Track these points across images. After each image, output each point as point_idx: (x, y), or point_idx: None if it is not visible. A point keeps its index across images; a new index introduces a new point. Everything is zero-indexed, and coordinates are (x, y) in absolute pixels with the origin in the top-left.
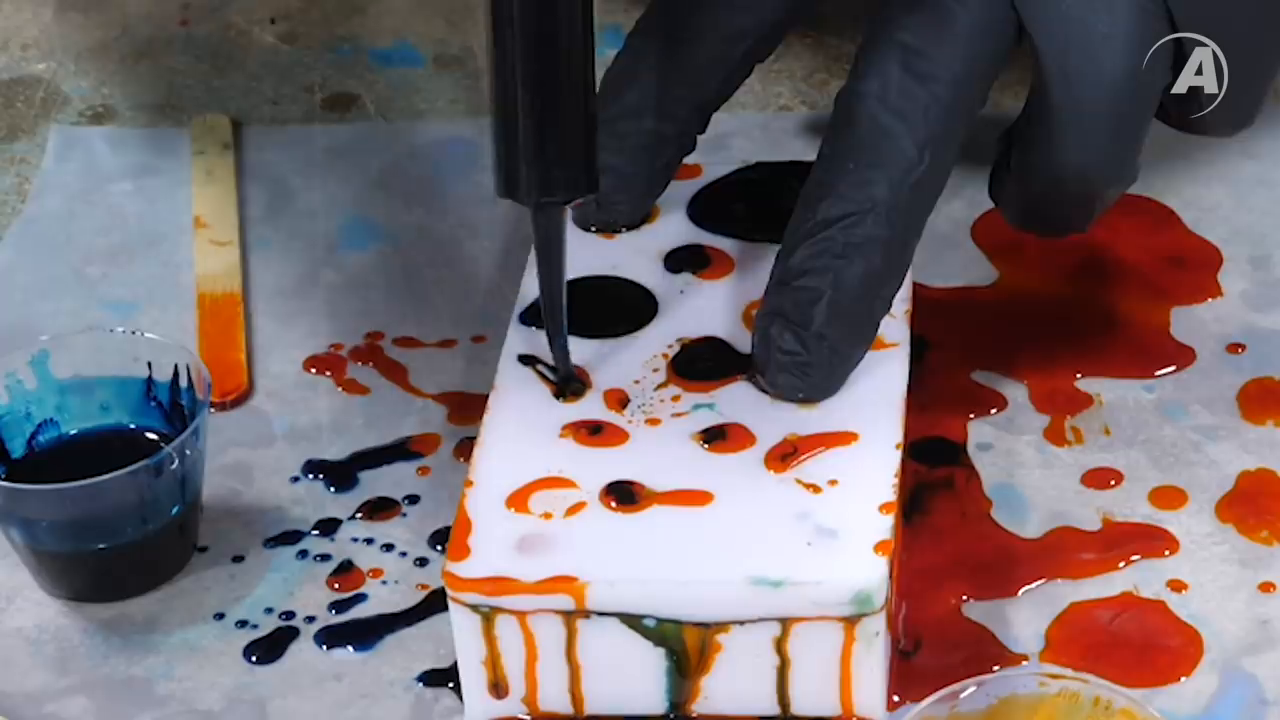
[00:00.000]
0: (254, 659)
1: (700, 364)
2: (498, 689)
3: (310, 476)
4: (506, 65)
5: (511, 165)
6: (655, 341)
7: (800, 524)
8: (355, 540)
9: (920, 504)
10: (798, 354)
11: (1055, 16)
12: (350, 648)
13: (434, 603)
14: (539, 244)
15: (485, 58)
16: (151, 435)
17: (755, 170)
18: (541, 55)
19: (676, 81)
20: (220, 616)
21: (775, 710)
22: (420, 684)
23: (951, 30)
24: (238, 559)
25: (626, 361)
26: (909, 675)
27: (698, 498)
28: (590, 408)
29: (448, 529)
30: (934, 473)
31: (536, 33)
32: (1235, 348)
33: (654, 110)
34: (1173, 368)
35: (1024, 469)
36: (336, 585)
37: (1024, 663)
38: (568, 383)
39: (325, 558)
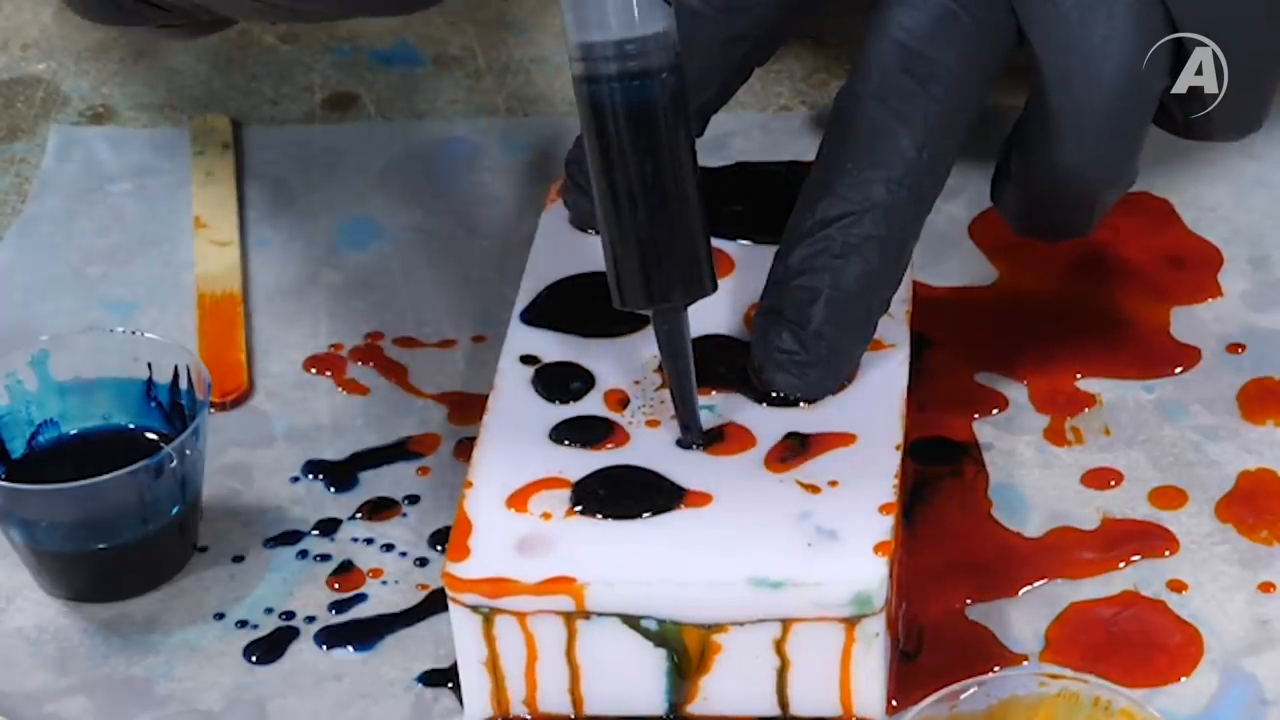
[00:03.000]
0: (254, 659)
1: (700, 364)
2: (500, 704)
3: (310, 476)
4: (612, 169)
5: (627, 276)
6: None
7: (800, 525)
8: (355, 540)
9: (922, 495)
10: (795, 353)
11: (1053, 19)
12: (350, 648)
13: (434, 603)
14: (662, 346)
15: (592, 173)
16: (151, 435)
17: (742, 170)
18: (647, 169)
19: None
20: (220, 616)
21: (775, 711)
22: (420, 684)
23: (951, 32)
24: (238, 559)
25: (627, 362)
26: (910, 676)
27: (697, 498)
28: (590, 408)
29: (448, 529)
30: (942, 466)
31: (639, 133)
32: (1235, 348)
33: None
34: (1173, 368)
35: (1024, 469)
36: (336, 585)
37: (1024, 663)
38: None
39: (325, 558)
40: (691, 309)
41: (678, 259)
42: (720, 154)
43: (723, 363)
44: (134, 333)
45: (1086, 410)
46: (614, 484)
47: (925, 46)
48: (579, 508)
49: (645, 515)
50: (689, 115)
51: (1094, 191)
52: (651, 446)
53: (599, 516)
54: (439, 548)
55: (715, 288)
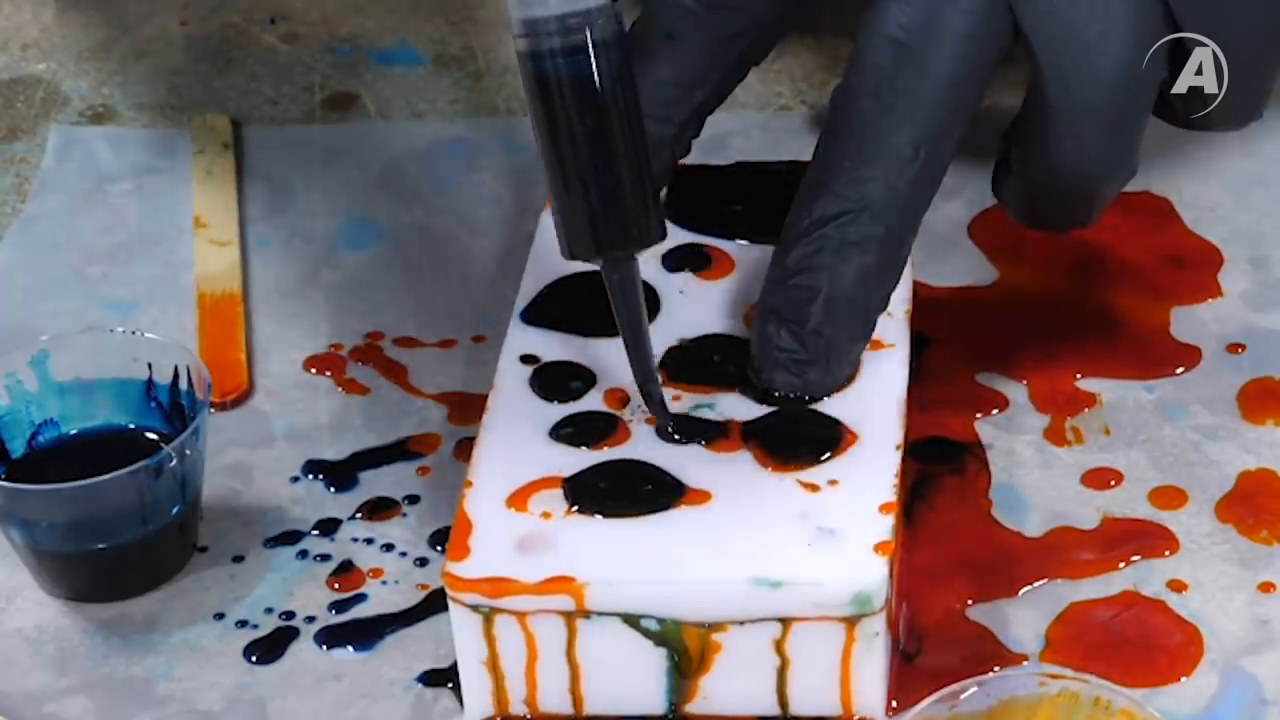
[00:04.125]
0: (254, 659)
1: (700, 364)
2: (500, 704)
3: (310, 476)
4: (558, 135)
5: (574, 228)
6: (655, 341)
7: (800, 524)
8: (355, 540)
9: (923, 494)
10: (795, 351)
11: (1049, 15)
12: (350, 648)
13: (434, 603)
14: (614, 299)
15: (533, 127)
16: (151, 435)
17: (742, 170)
18: (593, 131)
19: (672, 84)
20: (220, 616)
21: (775, 710)
22: (420, 684)
23: (946, 29)
24: (238, 559)
25: (626, 361)
26: (910, 676)
27: (697, 497)
28: (590, 407)
29: (448, 529)
30: (943, 466)
31: (585, 103)
32: (1235, 348)
33: (650, 113)
34: (1173, 368)
35: (1024, 469)
36: (336, 585)
37: (1024, 663)
38: (668, 426)
39: (325, 558)
40: (691, 309)
41: (625, 210)
42: (720, 154)
43: (722, 362)
44: (134, 333)
45: (1086, 410)
46: (613, 481)
47: (920, 43)
48: (576, 506)
49: (644, 513)
50: (632, 74)
51: (1093, 186)
52: (651, 445)
53: (598, 515)
54: (439, 548)
55: (664, 235)
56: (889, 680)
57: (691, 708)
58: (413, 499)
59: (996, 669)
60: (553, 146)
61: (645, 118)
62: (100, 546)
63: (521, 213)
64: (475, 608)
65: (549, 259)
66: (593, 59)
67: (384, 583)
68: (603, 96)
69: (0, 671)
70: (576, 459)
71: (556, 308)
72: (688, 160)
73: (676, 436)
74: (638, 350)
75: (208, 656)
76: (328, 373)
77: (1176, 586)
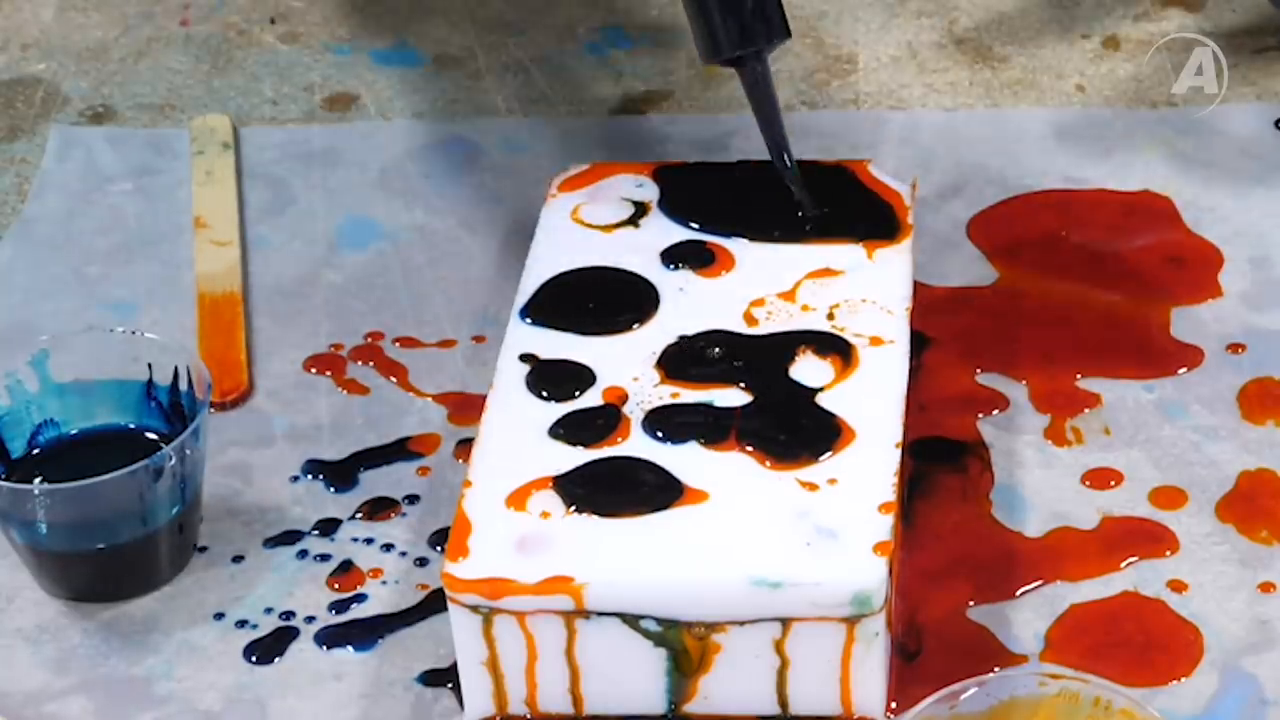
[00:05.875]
0: (254, 659)
1: (700, 361)
2: (500, 704)
3: (310, 476)
4: None
5: (709, 29)
6: (655, 339)
7: (800, 523)
8: (355, 540)
9: (923, 494)
10: None
11: None
12: (350, 648)
13: (434, 603)
14: (752, 96)
15: None
16: (151, 435)
17: (743, 169)
18: None
19: None
20: (220, 616)
21: (775, 710)
22: (420, 684)
23: None
24: (238, 559)
25: (626, 358)
26: (910, 676)
27: (696, 496)
28: (589, 405)
29: (447, 529)
30: (943, 465)
31: None
32: (1235, 348)
33: None
34: (1173, 368)
35: (1024, 469)
36: (336, 585)
37: (1024, 663)
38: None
39: (325, 558)
40: (693, 305)
41: (758, 6)
42: (720, 154)
43: (722, 359)
44: (134, 333)
45: (1086, 410)
46: (612, 481)
47: None
48: (574, 506)
49: (643, 512)
50: None
51: None
52: (650, 444)
53: (597, 515)
54: (439, 548)
55: (790, 33)
56: (889, 680)
57: (691, 708)
58: (413, 499)
59: (996, 669)
60: None
61: None
62: (100, 546)
63: (521, 213)
64: (475, 608)
65: (549, 256)
66: None
67: (384, 583)
68: None
69: (0, 671)
70: (576, 458)
71: (556, 305)
72: (689, 159)
73: (660, 434)
74: (777, 146)
75: (208, 656)
76: (328, 373)
77: (1176, 586)
